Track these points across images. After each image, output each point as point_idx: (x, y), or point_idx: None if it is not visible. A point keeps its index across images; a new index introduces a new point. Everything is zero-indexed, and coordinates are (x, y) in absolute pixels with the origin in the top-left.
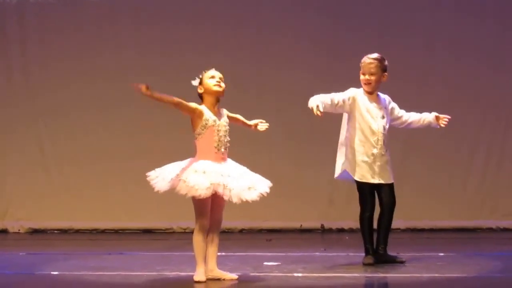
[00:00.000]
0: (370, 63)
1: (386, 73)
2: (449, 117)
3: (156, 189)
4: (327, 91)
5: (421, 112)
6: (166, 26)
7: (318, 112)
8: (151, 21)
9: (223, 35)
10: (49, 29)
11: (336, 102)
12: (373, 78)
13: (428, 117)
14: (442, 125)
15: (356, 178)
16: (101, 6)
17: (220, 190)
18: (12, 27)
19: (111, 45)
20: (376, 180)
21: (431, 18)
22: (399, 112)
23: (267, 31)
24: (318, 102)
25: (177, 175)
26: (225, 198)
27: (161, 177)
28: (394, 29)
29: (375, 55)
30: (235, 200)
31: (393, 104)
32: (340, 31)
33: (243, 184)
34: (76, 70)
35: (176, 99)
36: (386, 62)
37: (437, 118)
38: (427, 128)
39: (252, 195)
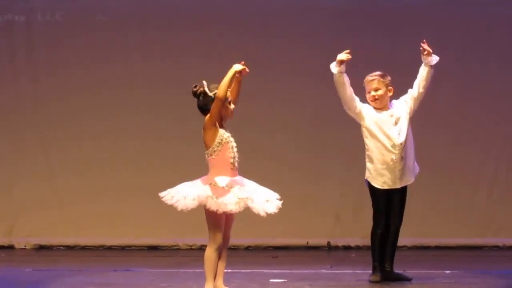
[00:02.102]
0: (372, 80)
1: (391, 88)
2: (423, 43)
3: (179, 208)
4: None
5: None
6: (174, 36)
7: (343, 61)
8: (158, 31)
9: (231, 45)
10: (56, 41)
11: (350, 91)
12: (379, 93)
13: (422, 67)
14: (426, 52)
15: (378, 186)
16: (109, 17)
17: (249, 204)
18: (21, 40)
19: (118, 55)
20: (398, 185)
21: (442, 24)
22: (412, 93)
23: (275, 43)
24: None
25: (204, 191)
26: (254, 211)
27: (182, 196)
28: (405, 31)
29: (376, 72)
30: (262, 213)
31: (404, 98)
32: (351, 41)
33: (262, 197)
34: (84, 80)
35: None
36: (388, 77)
37: (422, 54)
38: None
39: (272, 208)
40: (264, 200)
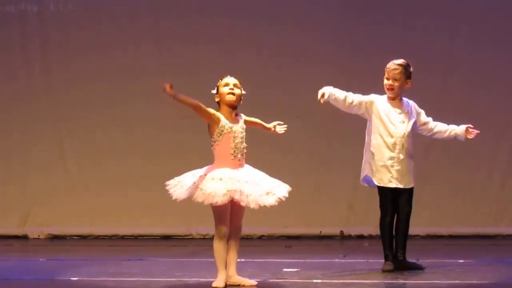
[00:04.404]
0: (395, 68)
1: (409, 80)
2: (478, 131)
3: (174, 197)
4: (351, 90)
5: (447, 123)
6: (186, 24)
7: (321, 100)
8: (170, 19)
9: (242, 35)
10: (68, 30)
11: (350, 100)
12: (396, 84)
13: (456, 129)
14: (470, 137)
15: (375, 182)
16: (120, 6)
17: (237, 197)
18: (33, 30)
19: (130, 44)
20: (393, 185)
21: (455, 12)
22: (425, 118)
23: (288, 30)
24: (328, 91)
25: (194, 183)
26: (242, 204)
27: (180, 185)
28: (417, 23)
29: (401, 60)
30: (252, 205)
31: (420, 110)
32: (363, 29)
33: (261, 189)
34: (96, 69)
35: (196, 102)
36: (411, 69)
37: (467, 131)
38: (453, 141)
39: (270, 200)
40: (263, 192)
